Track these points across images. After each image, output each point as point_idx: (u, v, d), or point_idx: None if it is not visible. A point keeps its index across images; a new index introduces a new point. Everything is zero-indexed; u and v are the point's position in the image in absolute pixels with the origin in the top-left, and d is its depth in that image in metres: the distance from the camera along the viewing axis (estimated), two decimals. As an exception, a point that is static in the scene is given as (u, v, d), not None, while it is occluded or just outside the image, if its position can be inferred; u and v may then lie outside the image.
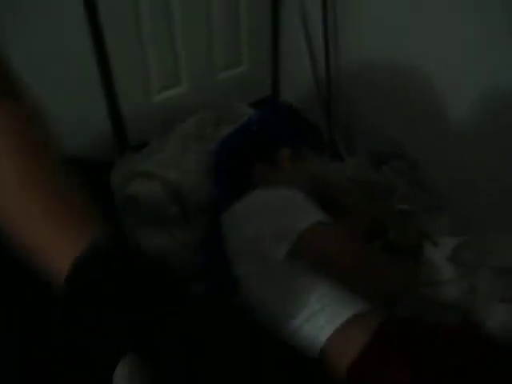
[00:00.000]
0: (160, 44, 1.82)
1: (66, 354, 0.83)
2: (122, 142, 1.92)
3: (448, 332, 1.05)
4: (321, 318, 1.11)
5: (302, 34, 1.89)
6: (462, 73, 1.44)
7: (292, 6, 1.88)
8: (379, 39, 1.66)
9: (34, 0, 1.42)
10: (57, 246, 0.61)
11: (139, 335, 0.61)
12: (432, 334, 1.01)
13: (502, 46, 1.30)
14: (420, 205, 1.63)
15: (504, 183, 1.45)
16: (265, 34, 2.07)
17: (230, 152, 1.57)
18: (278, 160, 1.49)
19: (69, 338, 0.79)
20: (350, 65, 1.84)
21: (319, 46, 1.84)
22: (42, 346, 0.84)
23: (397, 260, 1.35)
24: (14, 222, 0.60)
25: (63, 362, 0.83)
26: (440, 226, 1.58)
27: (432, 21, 1.45)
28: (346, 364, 0.82)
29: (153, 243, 1.55)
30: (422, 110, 1.63)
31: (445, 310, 1.39)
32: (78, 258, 0.60)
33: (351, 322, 1.07)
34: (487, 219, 1.55)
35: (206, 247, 1.48)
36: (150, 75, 1.86)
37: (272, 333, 0.81)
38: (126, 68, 1.77)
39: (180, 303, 0.66)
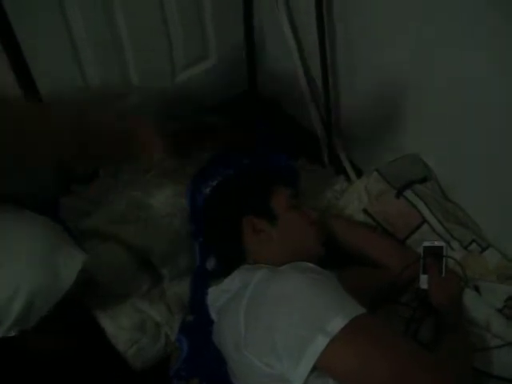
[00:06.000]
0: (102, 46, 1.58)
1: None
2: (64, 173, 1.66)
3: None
4: None
5: (283, 18, 1.63)
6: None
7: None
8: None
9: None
10: None
11: None
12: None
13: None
14: (456, 240, 1.45)
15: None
16: (235, 21, 1.83)
17: (209, 197, 1.35)
18: (273, 208, 1.28)
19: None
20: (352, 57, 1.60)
21: (309, 32, 1.61)
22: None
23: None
24: None
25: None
26: (485, 267, 1.41)
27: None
28: None
29: (118, 324, 1.33)
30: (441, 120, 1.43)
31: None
32: None
33: None
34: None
35: (188, 334, 1.29)
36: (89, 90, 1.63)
37: None
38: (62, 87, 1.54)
39: None
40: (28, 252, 1.09)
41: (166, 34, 1.70)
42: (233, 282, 1.18)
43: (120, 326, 1.34)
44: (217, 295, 1.22)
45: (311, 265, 1.15)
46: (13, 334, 1.11)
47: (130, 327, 1.33)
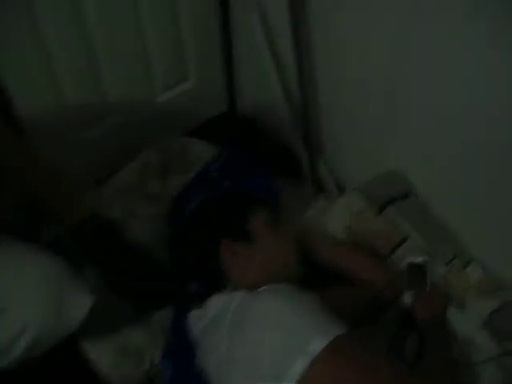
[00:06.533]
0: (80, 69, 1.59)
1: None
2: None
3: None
4: None
5: (261, 37, 1.65)
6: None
7: (247, 7, 1.63)
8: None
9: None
10: None
11: None
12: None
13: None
14: (438, 256, 1.45)
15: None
16: (214, 43, 1.85)
17: (191, 218, 1.35)
18: (251, 230, 1.28)
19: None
20: (327, 77, 1.63)
21: (286, 54, 1.64)
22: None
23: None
24: None
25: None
26: (468, 282, 1.41)
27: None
28: None
29: (100, 349, 1.32)
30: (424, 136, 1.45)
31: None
32: None
33: None
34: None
35: (172, 357, 1.29)
36: (68, 113, 1.63)
37: None
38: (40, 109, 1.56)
39: None
40: (36, 294, 1.09)
41: (144, 57, 1.71)
42: (212, 305, 1.19)
43: (103, 351, 1.33)
44: (197, 319, 1.22)
45: (290, 286, 1.15)
46: (16, 365, 1.11)
47: (113, 352, 1.33)
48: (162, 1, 1.63)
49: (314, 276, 1.35)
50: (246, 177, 1.54)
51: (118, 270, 1.26)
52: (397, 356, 1.28)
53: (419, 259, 1.41)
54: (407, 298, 1.36)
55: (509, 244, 1.36)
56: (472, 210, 1.42)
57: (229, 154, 1.61)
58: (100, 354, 1.33)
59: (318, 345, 0.97)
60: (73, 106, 1.64)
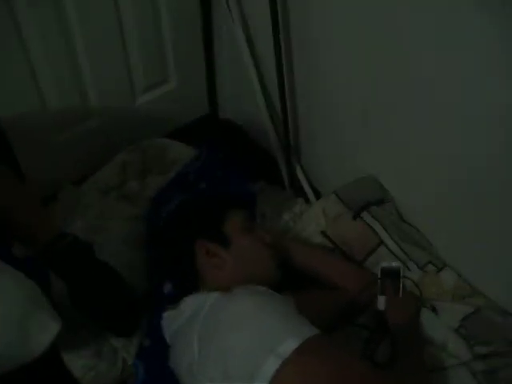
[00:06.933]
0: (61, 71, 1.58)
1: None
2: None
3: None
4: None
5: (242, 40, 1.66)
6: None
7: (228, 9, 1.64)
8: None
9: None
10: None
11: None
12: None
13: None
14: (412, 261, 1.48)
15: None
16: (195, 44, 1.86)
17: (169, 218, 1.36)
18: (227, 233, 1.28)
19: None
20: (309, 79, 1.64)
21: (266, 57, 1.66)
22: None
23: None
24: None
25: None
26: (442, 288, 1.43)
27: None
28: None
29: (74, 350, 1.31)
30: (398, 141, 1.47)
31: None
32: None
33: None
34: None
35: (145, 359, 1.30)
36: (47, 115, 1.62)
37: None
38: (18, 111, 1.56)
39: None
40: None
41: (125, 58, 1.71)
42: (186, 306, 1.19)
43: (76, 352, 1.31)
44: (171, 319, 1.22)
45: (263, 288, 1.16)
46: None
47: (86, 353, 1.31)
48: (143, 2, 1.63)
49: (290, 279, 1.36)
50: (224, 180, 1.55)
51: (85, 290, 1.20)
52: (370, 360, 1.29)
53: (393, 264, 1.42)
54: (380, 303, 1.37)
55: (482, 250, 1.37)
56: (446, 217, 1.44)
57: (208, 157, 1.62)
58: (74, 355, 1.32)
59: (289, 346, 0.97)
60: (52, 108, 1.63)
